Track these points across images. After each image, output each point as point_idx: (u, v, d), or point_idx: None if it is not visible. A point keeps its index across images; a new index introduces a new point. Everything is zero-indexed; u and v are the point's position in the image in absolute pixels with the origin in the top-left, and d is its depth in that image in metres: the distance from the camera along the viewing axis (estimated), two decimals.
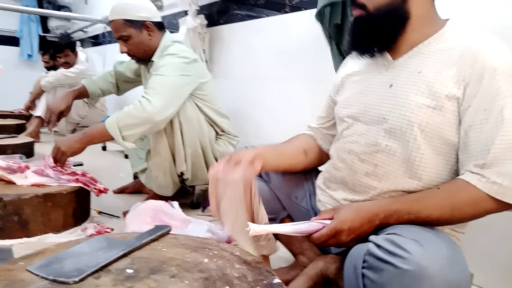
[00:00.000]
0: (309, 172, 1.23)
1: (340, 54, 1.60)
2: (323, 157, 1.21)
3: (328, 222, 0.88)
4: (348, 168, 1.01)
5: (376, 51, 0.99)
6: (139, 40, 1.79)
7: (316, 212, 1.15)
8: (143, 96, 1.62)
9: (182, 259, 0.85)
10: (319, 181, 1.16)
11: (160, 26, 1.87)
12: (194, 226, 1.45)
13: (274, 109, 2.19)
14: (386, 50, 0.99)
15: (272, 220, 1.19)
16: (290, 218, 1.23)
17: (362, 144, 0.98)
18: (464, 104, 0.86)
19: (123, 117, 1.57)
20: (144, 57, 1.86)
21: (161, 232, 0.97)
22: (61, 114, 1.96)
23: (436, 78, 0.88)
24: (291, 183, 1.21)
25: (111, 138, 1.60)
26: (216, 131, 1.93)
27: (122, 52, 1.83)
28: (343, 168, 1.03)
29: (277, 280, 0.76)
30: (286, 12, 2.06)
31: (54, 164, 1.55)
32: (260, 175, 1.24)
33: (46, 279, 0.74)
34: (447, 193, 0.85)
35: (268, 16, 2.20)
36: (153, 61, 1.81)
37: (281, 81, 1.99)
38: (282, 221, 1.23)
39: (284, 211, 1.23)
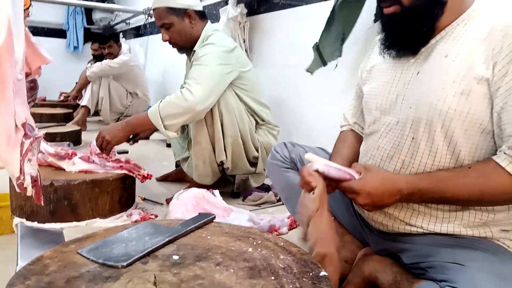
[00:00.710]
0: None
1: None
2: None
3: (357, 176, 0.88)
4: (377, 166, 0.97)
5: (416, 47, 0.93)
6: (181, 28, 1.81)
7: (352, 209, 1.13)
8: (183, 86, 1.65)
9: (227, 247, 0.85)
10: None
11: (202, 15, 1.87)
12: (236, 215, 1.45)
13: (315, 98, 2.15)
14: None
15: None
16: (329, 212, 1.20)
17: (390, 138, 0.95)
18: (495, 85, 0.79)
19: (165, 106, 1.60)
20: (185, 45, 1.87)
21: (205, 220, 0.98)
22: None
23: (463, 61, 0.83)
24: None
25: (153, 127, 1.64)
26: (256, 120, 1.92)
27: (164, 40, 1.86)
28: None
29: (323, 273, 0.74)
30: None
31: (99, 151, 1.60)
32: (297, 169, 1.22)
33: (96, 262, 0.77)
34: (478, 173, 0.81)
35: (308, 3, 2.15)
36: (194, 50, 1.82)
37: (321, 70, 1.95)
38: None
39: None
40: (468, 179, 0.81)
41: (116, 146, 1.65)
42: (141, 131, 1.72)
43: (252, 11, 2.61)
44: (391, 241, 0.97)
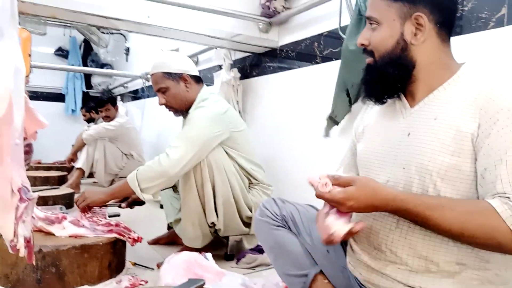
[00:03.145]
0: None
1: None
2: None
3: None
4: (370, 225, 0.97)
5: (386, 98, 1.00)
6: (176, 92, 1.87)
7: (348, 271, 1.10)
8: (166, 150, 1.70)
9: None
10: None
11: (197, 79, 1.95)
12: (228, 279, 1.41)
13: (306, 158, 2.18)
14: (401, 96, 0.99)
15: (303, 276, 1.15)
16: (322, 274, 1.17)
17: None
18: (478, 145, 0.83)
19: (143, 170, 1.69)
20: (181, 108, 1.92)
21: (194, 286, 0.95)
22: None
23: (452, 124, 0.87)
24: None
25: (132, 192, 1.68)
26: (249, 180, 1.93)
27: (160, 104, 1.91)
28: (367, 225, 0.99)
29: None
30: (317, 63, 2.10)
31: (90, 215, 1.60)
32: (289, 228, 1.20)
33: None
34: (466, 209, 0.81)
35: (299, 67, 2.25)
36: (189, 113, 1.88)
37: (313, 130, 2.00)
38: (314, 277, 1.16)
39: (316, 266, 1.17)
40: (455, 213, 0.81)
41: (107, 210, 1.66)
42: (122, 196, 1.77)
43: (245, 75, 2.72)
44: None
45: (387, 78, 0.96)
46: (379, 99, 1.01)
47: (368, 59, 1.00)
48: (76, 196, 2.98)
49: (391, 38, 0.94)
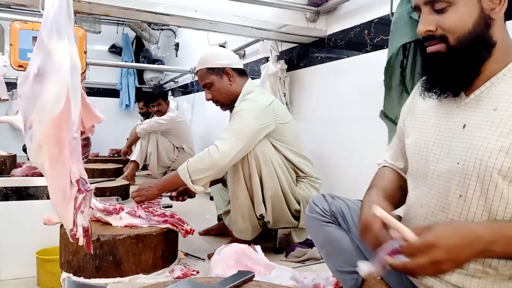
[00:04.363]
0: None
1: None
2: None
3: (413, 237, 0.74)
4: (421, 225, 0.92)
5: (459, 89, 0.89)
6: (220, 86, 1.91)
7: None
8: (215, 142, 1.73)
9: None
10: None
11: (241, 73, 1.96)
12: (278, 272, 1.41)
13: (357, 150, 2.12)
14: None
15: (355, 273, 1.12)
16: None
17: (434, 196, 0.90)
18: None
19: (194, 162, 1.71)
20: (226, 102, 1.96)
21: (244, 279, 0.96)
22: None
23: None
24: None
25: (183, 184, 1.72)
26: (297, 173, 1.91)
27: (207, 99, 1.96)
28: (416, 225, 0.93)
29: None
30: (368, 51, 2.03)
31: (146, 205, 1.66)
32: (338, 224, 1.17)
33: None
34: None
35: (348, 56, 2.18)
36: (235, 106, 1.89)
37: (363, 121, 1.93)
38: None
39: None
40: None
41: (161, 201, 1.71)
42: (174, 188, 1.82)
43: (292, 66, 2.69)
44: None
45: (467, 64, 0.85)
46: (450, 89, 0.90)
47: (435, 47, 0.88)
48: (131, 189, 3.12)
49: (470, 16, 0.84)
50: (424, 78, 0.95)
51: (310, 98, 2.56)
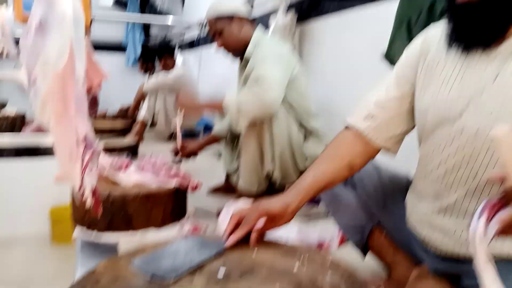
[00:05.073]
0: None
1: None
2: (373, 154, 1.05)
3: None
4: (441, 180, 0.90)
5: (492, 39, 0.81)
6: (229, 33, 1.91)
7: (408, 228, 1.04)
8: (249, 88, 1.72)
9: (273, 262, 0.84)
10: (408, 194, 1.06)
11: (250, 20, 1.96)
12: (284, 228, 1.42)
13: None
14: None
15: (360, 228, 1.13)
16: (380, 228, 1.14)
17: (454, 148, 0.86)
18: None
19: (245, 102, 1.71)
20: (236, 49, 1.95)
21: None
22: (192, 154, 2.25)
23: None
24: (388, 188, 1.13)
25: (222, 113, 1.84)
26: (305, 130, 1.90)
27: (218, 47, 1.97)
28: (434, 186, 0.92)
29: None
30: None
31: (153, 163, 1.67)
32: (346, 182, 1.15)
33: (146, 276, 0.78)
34: None
35: (363, 3, 2.08)
36: (246, 56, 1.89)
37: (376, 75, 1.87)
38: (372, 230, 1.14)
39: (373, 219, 1.14)
40: None
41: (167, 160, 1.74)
42: (213, 112, 2.16)
43: (302, 17, 2.59)
44: (452, 262, 0.90)
45: (502, 12, 0.78)
46: (480, 41, 0.82)
47: None
48: (140, 147, 3.14)
49: None
50: (449, 27, 0.87)
51: (320, 52, 2.49)
